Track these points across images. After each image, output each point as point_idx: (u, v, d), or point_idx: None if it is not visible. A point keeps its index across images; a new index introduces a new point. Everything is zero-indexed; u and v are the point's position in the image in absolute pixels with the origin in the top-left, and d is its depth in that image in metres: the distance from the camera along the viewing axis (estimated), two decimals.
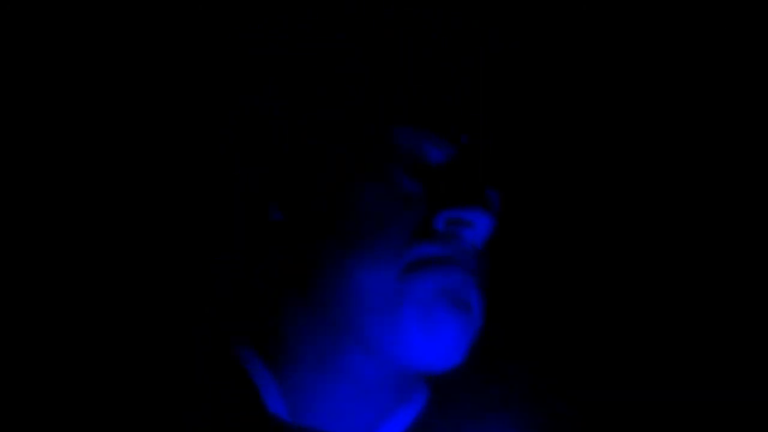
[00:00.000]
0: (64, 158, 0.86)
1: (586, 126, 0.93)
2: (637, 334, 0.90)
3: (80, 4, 0.83)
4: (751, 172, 0.90)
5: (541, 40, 0.88)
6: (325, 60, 0.66)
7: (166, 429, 0.68)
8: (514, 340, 0.88)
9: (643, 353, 0.89)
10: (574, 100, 0.92)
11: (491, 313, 0.71)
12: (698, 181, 0.91)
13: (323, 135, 0.70)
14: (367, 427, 0.71)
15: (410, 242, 0.68)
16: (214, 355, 0.73)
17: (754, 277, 0.89)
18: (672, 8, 0.90)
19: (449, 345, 0.68)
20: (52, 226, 0.86)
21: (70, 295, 0.85)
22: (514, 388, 0.79)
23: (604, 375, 0.89)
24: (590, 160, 0.93)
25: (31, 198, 0.86)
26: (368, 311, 0.68)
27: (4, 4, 0.83)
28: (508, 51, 0.76)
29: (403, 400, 0.73)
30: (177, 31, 0.83)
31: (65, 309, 0.84)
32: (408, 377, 0.73)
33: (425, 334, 0.67)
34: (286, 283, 0.71)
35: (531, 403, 0.77)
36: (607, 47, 0.92)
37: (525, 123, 0.85)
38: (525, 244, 0.90)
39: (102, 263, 0.86)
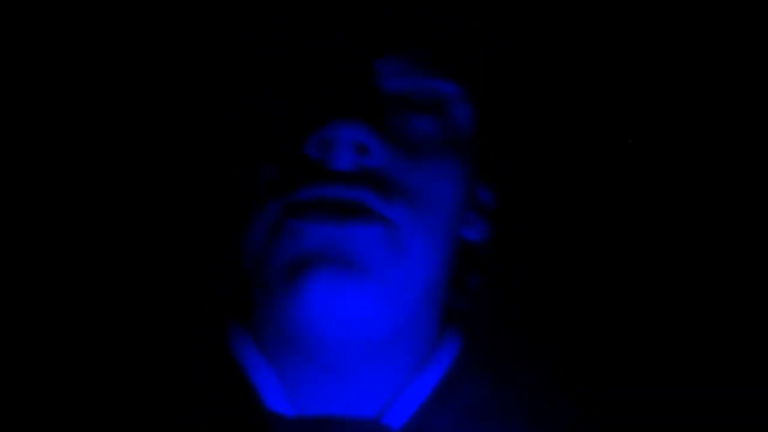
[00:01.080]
0: (56, 156, 0.86)
1: (586, 125, 0.93)
2: (642, 330, 0.90)
3: (80, 3, 0.83)
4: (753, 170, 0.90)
5: (541, 40, 0.88)
6: (324, 60, 0.64)
7: (163, 427, 0.66)
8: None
9: (649, 350, 0.89)
10: (574, 100, 0.92)
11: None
12: (697, 178, 0.91)
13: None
14: (380, 404, 0.64)
15: (277, 189, 0.59)
16: (211, 347, 0.69)
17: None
18: (672, 8, 0.90)
19: (322, 307, 0.57)
20: (52, 226, 0.86)
21: (68, 289, 0.85)
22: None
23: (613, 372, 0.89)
24: (591, 158, 0.93)
25: (27, 194, 0.86)
26: (256, 287, 0.62)
27: (4, 4, 0.84)
28: (508, 51, 0.75)
29: (420, 369, 0.65)
30: (176, 30, 0.83)
31: (62, 302, 0.84)
32: (401, 344, 0.64)
33: (294, 303, 0.58)
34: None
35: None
36: (607, 47, 0.92)
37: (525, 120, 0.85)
38: (529, 240, 0.90)
39: (98, 258, 0.86)
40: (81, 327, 0.82)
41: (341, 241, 0.58)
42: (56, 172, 0.87)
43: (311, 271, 0.57)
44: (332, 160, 0.58)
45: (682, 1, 0.89)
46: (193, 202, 0.84)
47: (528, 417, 0.69)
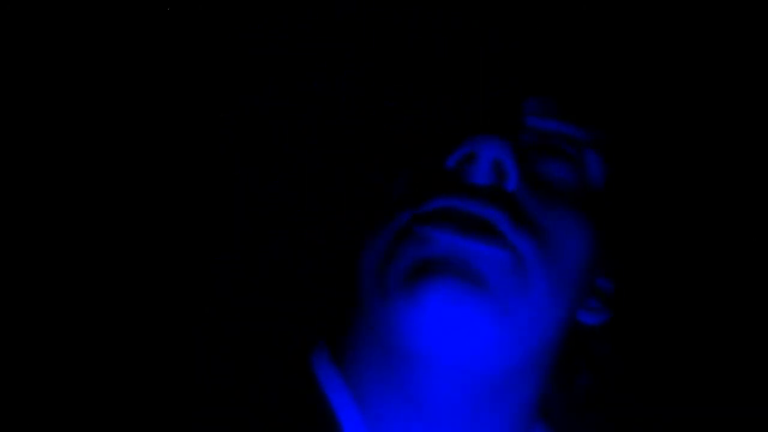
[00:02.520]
0: (56, 156, 0.86)
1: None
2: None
3: (76, 3, 0.83)
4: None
5: (542, 40, 0.88)
6: (324, 60, 0.64)
7: None
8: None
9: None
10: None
11: None
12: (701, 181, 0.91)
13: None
14: None
15: (409, 200, 0.59)
16: (293, 370, 0.64)
17: None
18: (673, 8, 0.90)
19: (438, 318, 0.54)
20: (52, 226, 0.86)
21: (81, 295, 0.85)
22: None
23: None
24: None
25: (31, 198, 0.86)
26: (369, 295, 0.59)
27: (4, 4, 0.84)
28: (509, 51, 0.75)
29: None
30: (174, 29, 0.83)
31: (72, 309, 0.84)
32: (496, 406, 0.60)
33: (412, 306, 0.54)
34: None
35: None
36: (606, 48, 0.92)
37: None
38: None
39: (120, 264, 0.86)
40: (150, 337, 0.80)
41: (467, 255, 0.55)
42: (72, 173, 0.87)
43: (433, 277, 0.54)
44: (471, 173, 0.58)
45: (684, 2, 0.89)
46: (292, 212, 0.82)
47: None
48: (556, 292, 0.58)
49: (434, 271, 0.54)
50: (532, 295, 0.57)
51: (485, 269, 0.55)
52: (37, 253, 0.85)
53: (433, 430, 0.59)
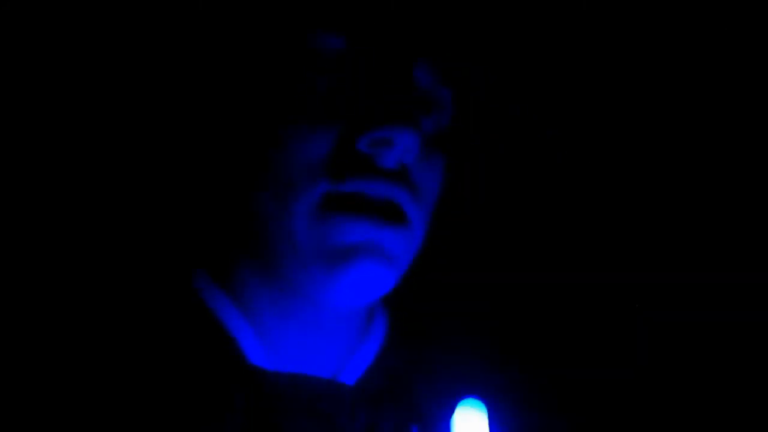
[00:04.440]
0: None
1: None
2: None
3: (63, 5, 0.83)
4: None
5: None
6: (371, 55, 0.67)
7: (139, 386, 0.65)
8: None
9: None
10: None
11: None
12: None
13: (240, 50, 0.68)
14: (336, 366, 0.72)
15: (324, 173, 0.66)
16: (179, 299, 0.71)
17: None
18: (673, 8, 0.89)
19: (361, 288, 0.67)
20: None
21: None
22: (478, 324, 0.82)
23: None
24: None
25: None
26: (281, 255, 0.67)
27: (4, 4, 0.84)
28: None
29: (364, 335, 0.74)
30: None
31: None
32: (362, 313, 0.73)
33: (332, 281, 0.66)
34: (232, 224, 0.71)
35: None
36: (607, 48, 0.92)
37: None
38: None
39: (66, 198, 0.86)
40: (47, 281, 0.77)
41: (380, 240, 0.66)
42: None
43: (353, 261, 0.66)
44: (383, 157, 0.66)
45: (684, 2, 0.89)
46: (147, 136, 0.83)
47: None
48: (426, 225, 0.71)
49: (354, 255, 0.66)
50: (414, 249, 0.71)
51: (393, 247, 0.67)
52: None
53: (315, 339, 0.71)
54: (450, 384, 0.71)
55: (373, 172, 0.66)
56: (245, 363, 0.68)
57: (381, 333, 0.76)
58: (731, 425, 0.87)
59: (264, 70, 0.68)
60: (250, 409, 0.67)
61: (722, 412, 0.88)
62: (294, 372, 0.69)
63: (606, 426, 0.84)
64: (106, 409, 0.64)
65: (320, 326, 0.71)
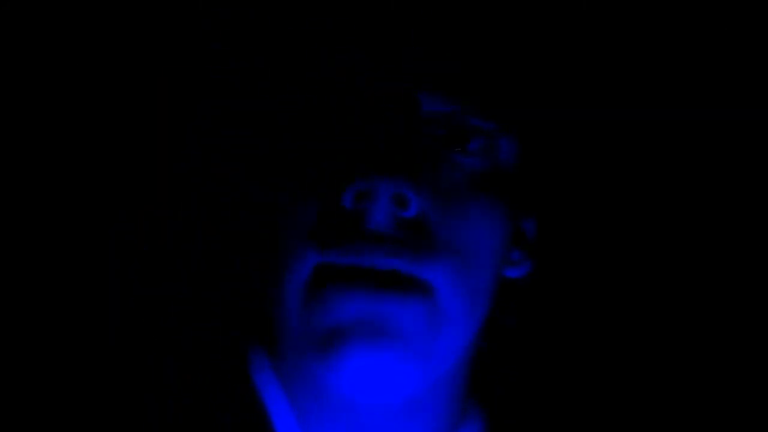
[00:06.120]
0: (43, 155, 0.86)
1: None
2: None
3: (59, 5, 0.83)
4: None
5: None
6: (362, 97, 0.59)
7: None
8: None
9: None
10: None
11: None
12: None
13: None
14: None
15: (312, 242, 0.56)
16: (230, 368, 0.65)
17: None
18: (673, 8, 0.90)
19: (367, 380, 0.56)
20: (51, 227, 0.86)
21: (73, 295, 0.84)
22: None
23: None
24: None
25: (32, 199, 0.86)
26: (284, 344, 0.61)
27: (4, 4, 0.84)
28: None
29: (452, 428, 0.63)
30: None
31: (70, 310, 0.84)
32: (427, 413, 0.62)
33: (330, 372, 0.56)
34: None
35: None
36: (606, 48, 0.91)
37: None
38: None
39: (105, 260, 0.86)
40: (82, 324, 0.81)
41: (380, 314, 0.55)
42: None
43: (345, 345, 0.54)
44: (370, 213, 0.55)
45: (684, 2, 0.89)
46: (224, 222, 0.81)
47: None
48: (471, 310, 0.58)
49: (345, 338, 0.54)
50: (449, 325, 0.57)
51: (404, 323, 0.55)
52: (39, 256, 0.85)
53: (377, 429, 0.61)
54: None
55: (360, 237, 0.55)
56: None
57: (476, 428, 0.64)
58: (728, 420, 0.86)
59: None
60: None
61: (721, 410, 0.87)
62: None
63: None
64: None
65: (364, 425, 0.60)
